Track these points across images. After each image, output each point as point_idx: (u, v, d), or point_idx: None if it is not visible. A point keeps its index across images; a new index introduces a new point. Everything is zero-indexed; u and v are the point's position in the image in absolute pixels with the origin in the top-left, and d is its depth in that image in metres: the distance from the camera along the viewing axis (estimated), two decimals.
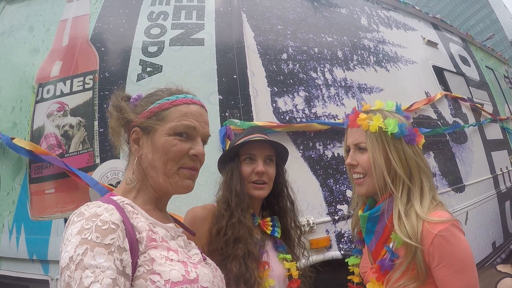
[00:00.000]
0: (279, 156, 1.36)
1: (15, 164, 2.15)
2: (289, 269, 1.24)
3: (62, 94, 2.23)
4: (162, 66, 2.19)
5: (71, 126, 2.19)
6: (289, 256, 1.27)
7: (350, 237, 2.16)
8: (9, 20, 2.76)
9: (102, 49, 2.31)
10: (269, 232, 1.29)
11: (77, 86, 2.24)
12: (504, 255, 4.02)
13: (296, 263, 1.28)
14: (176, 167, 0.84)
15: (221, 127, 2.03)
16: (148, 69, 2.17)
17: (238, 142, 1.30)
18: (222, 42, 2.31)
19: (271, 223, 1.32)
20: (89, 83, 2.26)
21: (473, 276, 0.94)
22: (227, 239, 1.14)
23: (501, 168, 4.62)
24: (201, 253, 0.92)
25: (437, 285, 0.95)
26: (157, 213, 0.87)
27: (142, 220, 0.76)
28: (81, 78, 2.25)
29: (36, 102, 2.23)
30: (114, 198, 0.79)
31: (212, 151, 1.87)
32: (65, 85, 2.26)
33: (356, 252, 1.30)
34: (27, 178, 2.07)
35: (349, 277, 1.29)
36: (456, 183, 3.43)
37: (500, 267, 2.73)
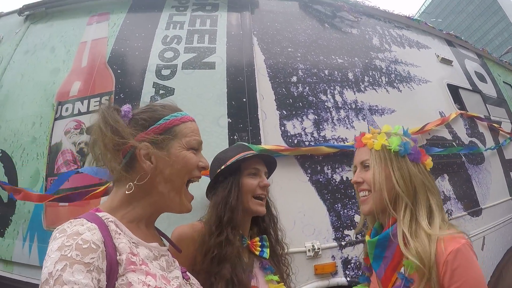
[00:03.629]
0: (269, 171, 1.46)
1: (32, 176, 2.28)
2: None
3: (80, 113, 2.34)
4: (174, 89, 2.26)
5: (87, 144, 2.28)
6: (276, 278, 1.28)
7: (357, 263, 2.12)
8: (33, 39, 2.92)
9: (119, 71, 2.41)
10: (257, 253, 1.31)
11: (94, 106, 2.35)
12: None
13: (284, 284, 1.30)
14: (186, 179, 0.90)
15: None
16: (161, 91, 2.24)
17: (241, 156, 1.31)
18: (232, 65, 2.36)
19: (260, 243, 1.33)
20: (105, 104, 2.36)
21: None
22: (213, 257, 1.15)
23: None
24: (184, 272, 0.92)
25: None
26: (143, 231, 0.87)
27: (123, 241, 0.75)
28: (98, 98, 2.36)
29: (55, 119, 2.35)
30: (100, 214, 0.79)
31: None
32: (82, 104, 2.37)
33: (364, 280, 1.28)
34: (43, 190, 2.18)
35: None
36: (473, 206, 3.33)
37: None
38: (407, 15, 4.14)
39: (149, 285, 0.72)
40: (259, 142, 2.12)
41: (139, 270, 0.73)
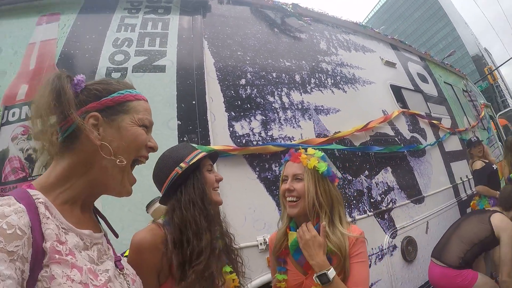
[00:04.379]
0: None
1: None
2: (233, 280, 1.32)
3: (27, 118, 2.25)
4: None
5: (35, 150, 2.23)
6: (229, 268, 1.31)
7: None
8: None
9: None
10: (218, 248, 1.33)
11: None
12: None
13: (237, 274, 1.34)
14: (133, 156, 0.87)
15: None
16: None
17: (201, 156, 1.32)
18: (182, 68, 2.40)
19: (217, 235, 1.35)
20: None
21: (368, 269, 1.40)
22: (183, 261, 1.10)
23: (461, 177, 4.90)
24: (118, 261, 0.86)
25: (351, 273, 1.34)
26: (76, 215, 0.80)
27: (51, 227, 0.68)
28: None
29: (2, 124, 2.26)
30: (31, 192, 0.71)
31: None
32: (30, 109, 2.30)
33: (281, 269, 1.46)
34: None
35: None
36: (415, 195, 3.63)
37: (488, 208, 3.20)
38: (355, 21, 4.41)
39: (73, 280, 0.65)
40: (208, 143, 2.20)
41: (64, 262, 0.66)
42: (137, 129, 0.87)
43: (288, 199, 1.43)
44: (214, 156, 1.48)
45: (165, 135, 2.15)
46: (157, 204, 1.66)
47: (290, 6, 3.40)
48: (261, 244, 2.18)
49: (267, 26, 3.14)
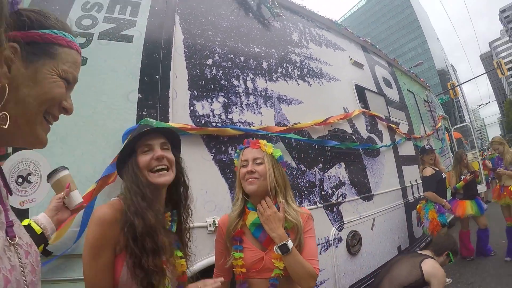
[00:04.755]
0: (173, 145, 1.43)
1: None
2: (181, 265, 1.33)
3: None
4: (87, 59, 2.14)
5: None
6: (180, 253, 1.33)
7: None
8: None
9: None
10: (167, 227, 1.33)
11: None
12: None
13: (185, 260, 1.36)
14: (43, 109, 0.71)
15: (136, 125, 2.04)
16: None
17: (132, 137, 1.33)
18: (150, 41, 2.31)
19: (170, 218, 1.35)
20: None
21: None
22: (134, 236, 1.13)
23: (410, 181, 5.22)
24: (10, 227, 0.68)
25: (305, 246, 1.52)
26: None
27: None
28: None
29: None
30: None
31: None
32: None
33: (238, 248, 1.53)
34: None
35: (236, 270, 1.51)
36: (365, 192, 3.82)
37: (421, 252, 3.37)
38: (330, 18, 4.46)
39: None
40: (167, 120, 2.15)
41: None
42: (57, 80, 0.72)
43: (248, 180, 1.54)
44: (170, 136, 1.42)
45: (124, 107, 2.08)
46: (59, 175, 1.55)
47: None
48: (210, 225, 2.20)
49: (242, 10, 3.09)
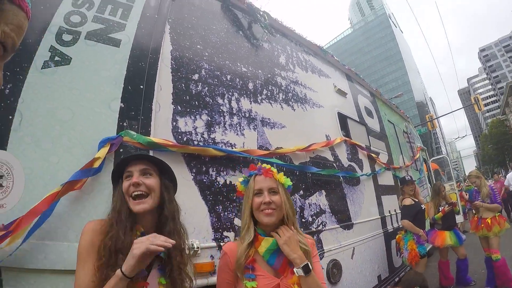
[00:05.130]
0: (162, 172, 1.45)
1: None
2: None
3: None
4: (71, 58, 2.02)
5: None
6: (163, 281, 1.31)
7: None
8: None
9: None
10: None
11: None
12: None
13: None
14: None
15: (116, 135, 1.93)
16: (57, 58, 1.98)
17: (115, 165, 1.43)
18: (138, 48, 2.22)
19: None
20: None
21: None
22: (110, 252, 1.20)
23: (389, 211, 5.23)
24: None
25: (314, 270, 1.47)
26: None
27: None
28: None
29: None
30: None
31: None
32: None
33: (250, 276, 1.45)
34: None
35: None
36: (345, 221, 3.76)
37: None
38: (317, 44, 4.55)
39: None
40: (148, 134, 2.04)
41: None
42: None
43: (266, 211, 1.49)
44: (155, 161, 1.43)
45: (105, 115, 1.96)
46: None
47: (261, 13, 3.38)
48: (188, 248, 2.06)
49: (233, 27, 3.08)
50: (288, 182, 1.58)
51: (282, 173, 1.58)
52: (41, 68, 1.95)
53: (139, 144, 1.93)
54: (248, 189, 1.56)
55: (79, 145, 1.86)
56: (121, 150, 1.88)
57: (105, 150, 1.82)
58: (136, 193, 1.30)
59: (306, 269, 1.40)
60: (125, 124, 1.99)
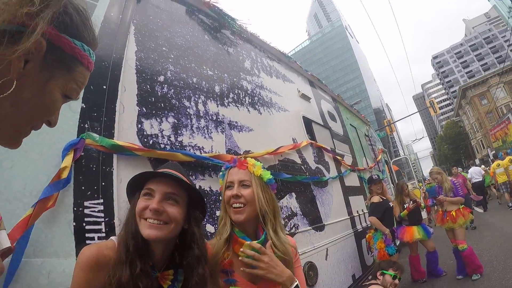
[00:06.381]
0: (192, 201, 1.23)
1: None
2: None
3: None
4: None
5: None
6: None
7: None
8: None
9: None
10: (166, 286, 1.12)
11: None
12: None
13: None
14: (33, 121, 0.65)
15: (76, 138, 1.77)
16: None
17: (142, 176, 1.16)
18: (101, 48, 2.07)
19: (173, 276, 1.15)
20: None
21: None
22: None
23: (357, 211, 5.38)
24: None
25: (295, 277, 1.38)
26: None
27: None
28: None
29: None
30: None
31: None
32: None
33: (231, 282, 1.35)
34: None
35: None
36: (316, 222, 3.80)
37: (365, 283, 3.51)
38: (281, 51, 4.64)
39: None
40: (112, 136, 1.92)
41: None
42: (59, 97, 0.66)
43: (234, 205, 1.38)
44: (187, 190, 1.19)
45: (65, 116, 1.78)
46: None
47: (228, 17, 3.40)
48: None
49: (198, 30, 3.04)
50: (267, 175, 1.44)
51: (261, 164, 1.47)
52: None
53: (102, 148, 1.81)
54: (223, 182, 1.47)
55: (36, 149, 1.68)
56: (83, 153, 1.75)
57: (69, 157, 1.68)
58: (153, 221, 1.08)
59: None
60: (86, 125, 1.86)
